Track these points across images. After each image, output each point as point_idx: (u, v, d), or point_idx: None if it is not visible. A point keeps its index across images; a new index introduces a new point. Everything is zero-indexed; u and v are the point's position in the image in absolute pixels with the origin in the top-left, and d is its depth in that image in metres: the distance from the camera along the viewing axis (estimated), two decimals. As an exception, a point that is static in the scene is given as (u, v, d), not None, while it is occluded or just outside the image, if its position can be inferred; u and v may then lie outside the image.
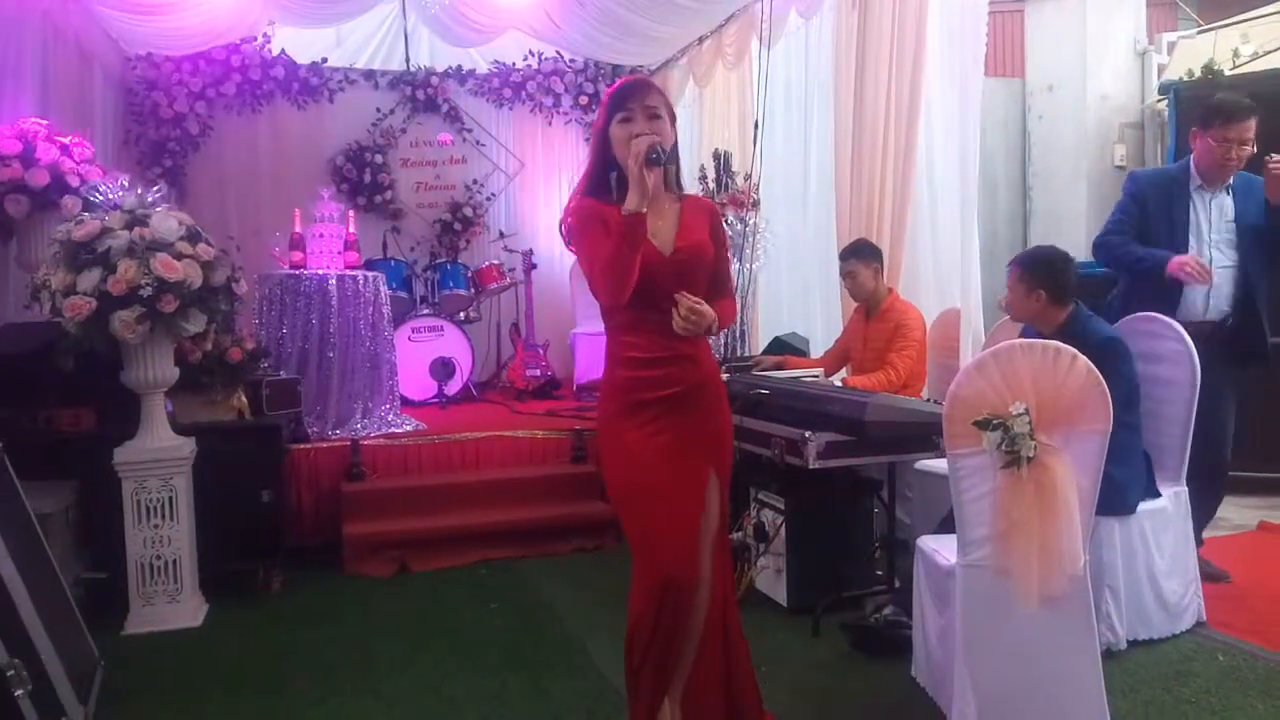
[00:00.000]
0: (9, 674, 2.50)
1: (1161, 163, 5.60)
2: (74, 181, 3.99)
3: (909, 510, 3.82)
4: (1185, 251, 3.39)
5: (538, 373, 6.44)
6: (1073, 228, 5.89)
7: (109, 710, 2.73)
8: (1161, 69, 5.92)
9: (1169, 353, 3.18)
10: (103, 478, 3.41)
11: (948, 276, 4.43)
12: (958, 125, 4.19)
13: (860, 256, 4.18)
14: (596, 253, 2.17)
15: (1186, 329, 3.19)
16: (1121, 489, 2.87)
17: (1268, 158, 3.30)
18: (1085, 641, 2.35)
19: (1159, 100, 5.74)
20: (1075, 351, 2.28)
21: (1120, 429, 2.39)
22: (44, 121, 4.18)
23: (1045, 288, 3.01)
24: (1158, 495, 3.11)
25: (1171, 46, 6.01)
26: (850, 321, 4.42)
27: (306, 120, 6.96)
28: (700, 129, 6.51)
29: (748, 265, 5.17)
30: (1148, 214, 3.52)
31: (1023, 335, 2.97)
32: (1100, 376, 2.28)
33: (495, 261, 6.74)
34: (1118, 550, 2.97)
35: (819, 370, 4.37)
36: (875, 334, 4.15)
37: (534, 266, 6.75)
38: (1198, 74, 5.25)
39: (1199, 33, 6.04)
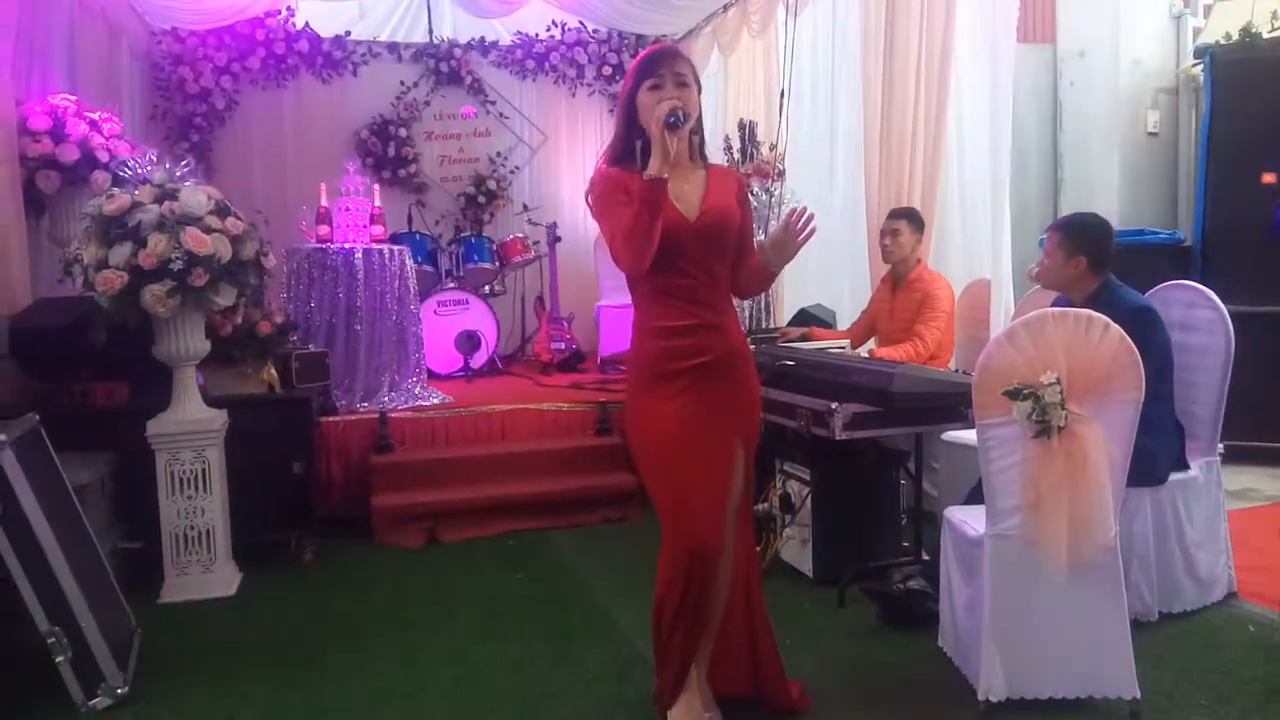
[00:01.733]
0: (50, 641, 2.58)
1: (1197, 130, 5.48)
2: (103, 157, 4.03)
3: (935, 481, 3.81)
4: None
5: (562, 346, 6.45)
6: (1105, 196, 5.78)
7: (146, 677, 2.78)
8: (1197, 32, 5.76)
9: (1203, 321, 3.13)
10: (137, 449, 3.46)
11: (977, 247, 4.39)
12: (989, 93, 4.12)
13: (910, 220, 4.14)
14: (618, 221, 2.16)
15: None
16: (1152, 459, 2.84)
17: None
18: (1115, 611, 2.35)
19: (1194, 65, 5.60)
20: (1108, 320, 2.26)
21: (1152, 399, 2.37)
22: (73, 97, 4.22)
23: (1087, 254, 2.96)
24: (1187, 467, 3.07)
25: (1208, 9, 5.85)
26: (876, 293, 4.38)
27: (330, 94, 6.97)
28: (725, 98, 6.45)
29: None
30: None
31: (1054, 305, 2.93)
32: (1133, 346, 2.26)
33: (520, 235, 6.75)
34: (1148, 521, 2.95)
35: (845, 342, 4.35)
36: (902, 305, 4.12)
37: (558, 239, 6.74)
38: (1235, 37, 5.11)
39: (1237, -6, 5.88)
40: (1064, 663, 2.36)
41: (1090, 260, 2.97)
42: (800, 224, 2.22)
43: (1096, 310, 2.37)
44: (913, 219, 4.14)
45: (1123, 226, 5.41)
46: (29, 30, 4.20)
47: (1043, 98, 6.31)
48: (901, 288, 4.15)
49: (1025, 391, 2.22)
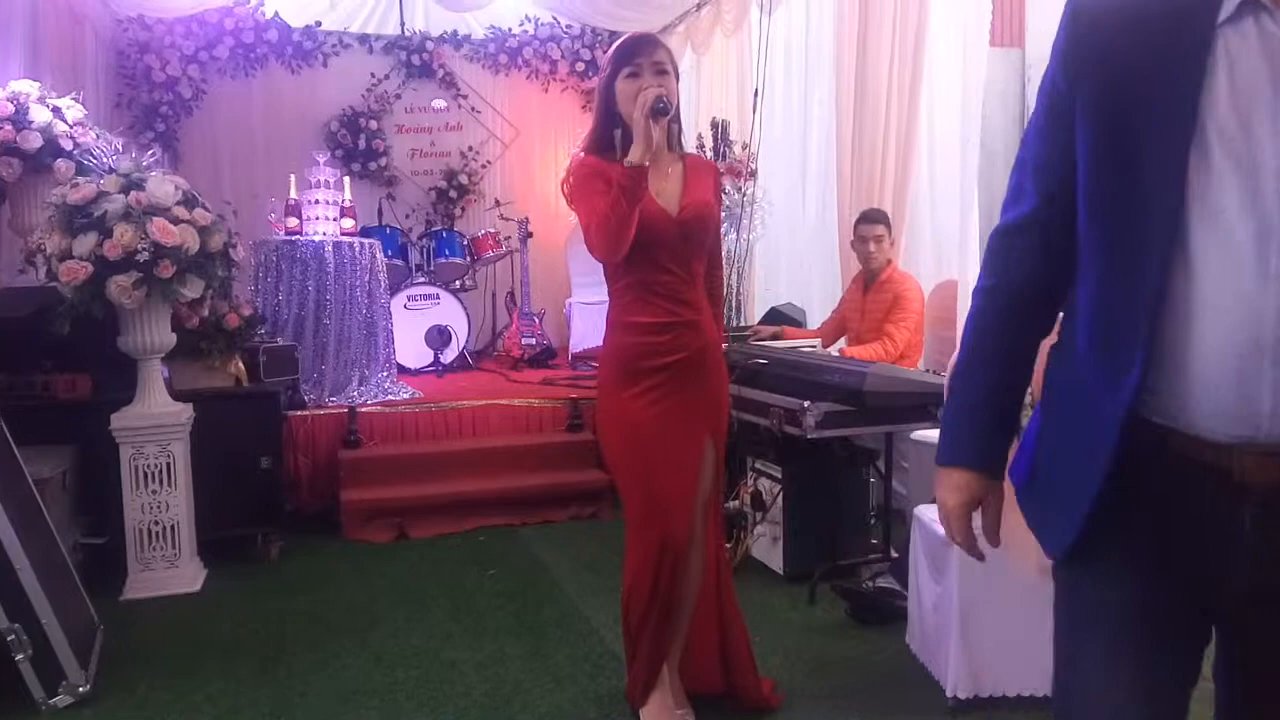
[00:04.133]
0: (9, 638, 2.53)
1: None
2: (67, 145, 3.94)
3: (905, 480, 3.84)
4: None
5: (533, 341, 6.44)
6: (1071, 200, 5.87)
7: (109, 674, 2.74)
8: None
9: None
10: (100, 443, 3.41)
11: (946, 248, 4.43)
12: (959, 96, 4.16)
13: (887, 224, 4.16)
14: (594, 208, 2.15)
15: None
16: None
17: None
18: (1080, 609, 2.38)
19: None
20: (1076, 323, 2.28)
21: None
22: (35, 84, 4.12)
23: None
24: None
25: (1173, 18, 5.96)
26: (847, 292, 4.41)
27: (300, 85, 6.88)
28: (698, 97, 6.45)
29: (744, 236, 5.16)
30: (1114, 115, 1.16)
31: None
32: (1101, 348, 2.28)
33: (491, 230, 6.72)
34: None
35: (816, 341, 4.38)
36: (873, 305, 4.15)
37: (530, 235, 6.71)
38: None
39: (1201, 4, 5.98)
40: (1031, 661, 2.39)
41: None
42: None
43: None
44: (888, 222, 4.17)
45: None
46: (-10, 15, 4.11)
47: (1011, 102, 6.37)
48: (872, 288, 4.18)
49: (995, 392, 2.24)
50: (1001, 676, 2.41)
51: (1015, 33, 6.28)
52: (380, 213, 6.63)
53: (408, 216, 7.04)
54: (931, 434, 3.48)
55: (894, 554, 3.35)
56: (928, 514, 2.73)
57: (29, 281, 3.68)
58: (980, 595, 2.40)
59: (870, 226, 4.16)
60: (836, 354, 4.27)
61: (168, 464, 3.42)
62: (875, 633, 2.96)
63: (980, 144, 4.16)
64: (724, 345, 2.45)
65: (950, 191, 4.39)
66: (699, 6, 6.22)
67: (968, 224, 4.11)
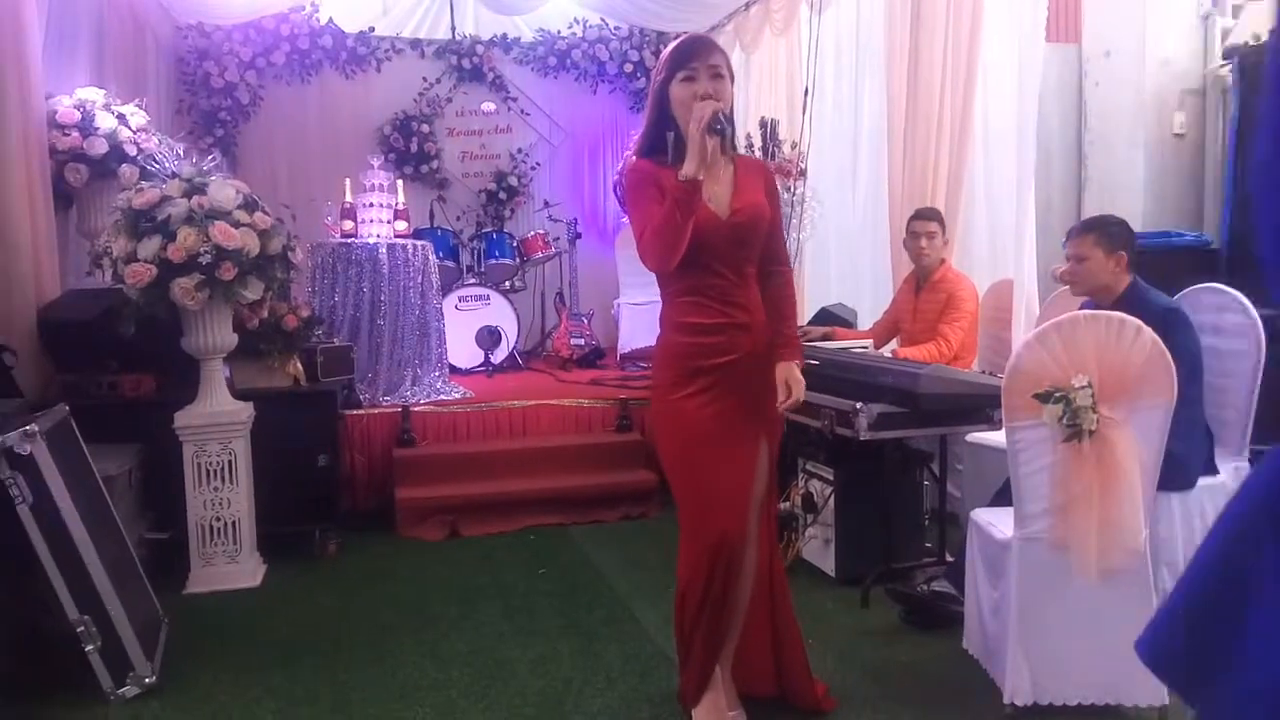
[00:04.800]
0: (80, 630, 2.61)
1: (1224, 132, 5.44)
2: (131, 150, 4.06)
3: (960, 483, 3.80)
4: None
5: (582, 342, 6.47)
6: (1130, 197, 5.74)
7: (173, 666, 2.81)
8: (1226, 33, 5.72)
9: (1233, 325, 3.10)
10: (164, 441, 3.50)
11: (1001, 246, 4.36)
12: (1015, 92, 4.10)
13: (940, 221, 4.09)
14: (648, 217, 2.15)
15: None
16: (1182, 464, 2.81)
17: None
18: (1143, 617, 2.31)
19: (1222, 66, 5.56)
20: (1140, 323, 2.24)
21: (1182, 403, 2.35)
22: (101, 91, 4.25)
23: (1126, 250, 2.94)
24: (1216, 472, 3.05)
25: (1237, 10, 5.79)
26: (899, 292, 4.36)
27: (354, 90, 7.00)
28: (747, 96, 6.43)
29: (794, 235, 5.13)
30: None
31: (1083, 309, 2.91)
32: (1165, 350, 2.24)
33: (540, 231, 6.77)
34: (1177, 526, 2.92)
35: (868, 342, 4.34)
36: (926, 306, 4.10)
37: (578, 236, 6.76)
38: (1265, 38, 5.06)
39: (1267, -5, 5.82)
40: (1091, 668, 2.35)
41: (1129, 256, 2.95)
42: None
43: (1126, 312, 2.35)
44: (942, 220, 4.11)
45: (1145, 228, 5.37)
46: (58, 25, 4.24)
47: (1067, 97, 6.27)
48: (926, 288, 4.12)
49: (1056, 394, 2.21)
50: (1062, 684, 2.36)
51: (1072, 28, 6.19)
52: (432, 215, 6.72)
53: (458, 218, 7.12)
54: (987, 436, 3.44)
55: (949, 558, 3.31)
56: (984, 517, 2.69)
57: (96, 284, 3.80)
58: (1040, 599, 2.36)
59: (923, 223, 4.09)
60: (889, 355, 4.22)
61: (229, 462, 3.50)
62: (930, 637, 2.93)
63: (1036, 141, 4.09)
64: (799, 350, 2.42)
65: (1005, 190, 4.33)
66: (747, 6, 6.19)
67: (1024, 222, 4.05)
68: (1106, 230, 2.99)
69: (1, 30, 3.49)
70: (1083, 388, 2.20)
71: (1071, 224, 3.30)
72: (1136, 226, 3.48)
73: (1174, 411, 2.27)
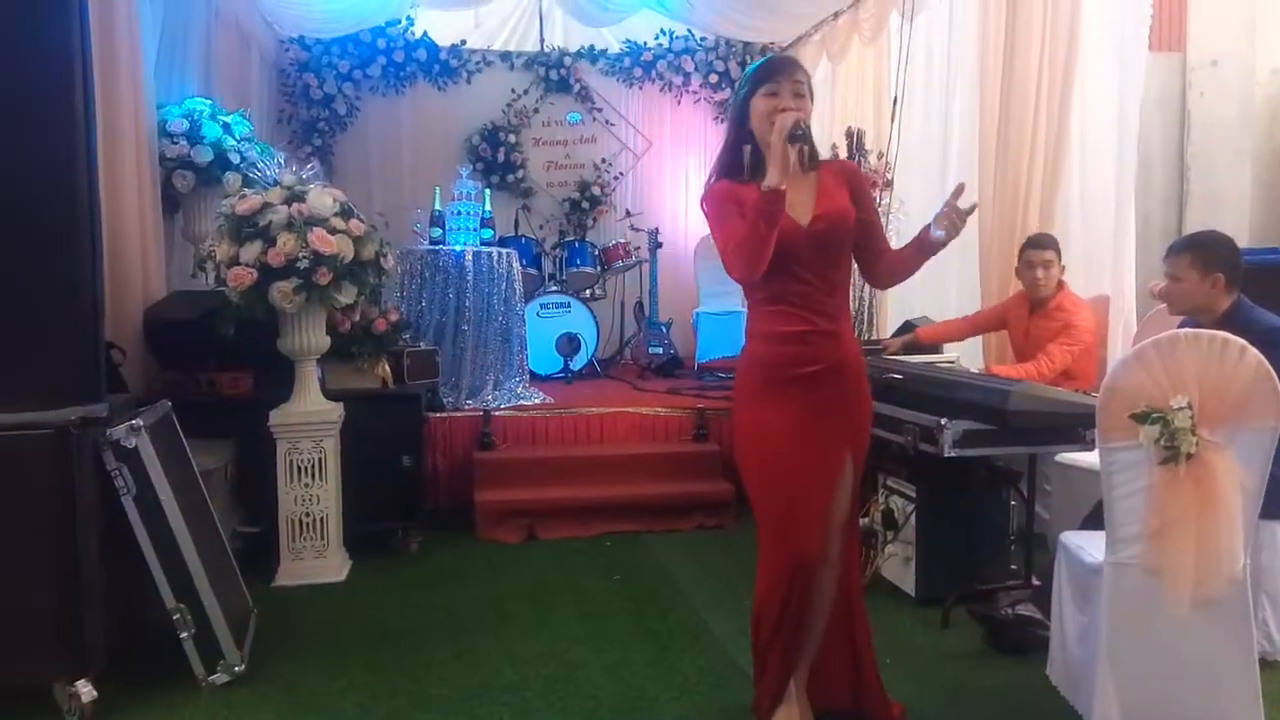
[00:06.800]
0: (175, 617, 2.72)
1: (1340, 143, 5.17)
2: (234, 158, 4.23)
3: (1048, 504, 3.68)
4: None
5: (660, 351, 6.49)
6: (1236, 211, 5.51)
7: (261, 656, 2.91)
8: (1343, 40, 5.45)
9: (1346, 346, 2.95)
10: (258, 438, 3.63)
11: (1098, 262, 4.21)
12: (1115, 102, 3.97)
13: (1057, 249, 3.90)
14: (731, 232, 2.17)
15: None
16: (1287, 491, 2.68)
17: None
18: (1241, 648, 2.23)
19: (1339, 74, 5.30)
20: (1245, 343, 2.15)
21: (1290, 427, 2.24)
22: (208, 101, 4.44)
23: (1224, 270, 2.83)
24: (1326, 500, 2.90)
25: (1356, 16, 5.53)
26: (1012, 304, 4.13)
27: (445, 101, 7.17)
28: (833, 106, 6.38)
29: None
30: None
31: (1182, 327, 2.80)
32: (1271, 371, 2.14)
33: (622, 240, 6.81)
34: (1278, 555, 2.79)
35: (954, 357, 4.24)
36: (1040, 330, 3.91)
37: (659, 245, 6.78)
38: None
39: (1388, 0, 5.53)
40: (1184, 701, 2.25)
41: (1227, 277, 2.84)
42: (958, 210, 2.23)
43: (1229, 331, 2.26)
44: (1057, 247, 3.91)
45: (1253, 243, 5.14)
46: (170, 38, 4.45)
47: (1169, 108, 6.06)
48: (1040, 313, 3.94)
49: (1154, 415, 2.12)
50: (1152, 716, 2.27)
51: (1176, 37, 5.97)
52: (516, 223, 6.82)
53: (542, 227, 7.22)
54: (1078, 457, 3.33)
55: (1035, 581, 3.21)
56: (1073, 540, 2.61)
57: (199, 286, 3.96)
58: (1131, 628, 2.27)
59: (1038, 252, 3.89)
60: (978, 371, 4.11)
61: (320, 459, 3.61)
62: (1013, 662, 2.85)
63: (1135, 152, 3.96)
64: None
65: (1103, 203, 4.19)
66: (836, 15, 6.14)
67: (1123, 237, 3.92)
68: (1203, 250, 2.88)
69: (118, 44, 3.68)
70: (1182, 409, 2.11)
71: (1173, 239, 3.19)
72: (1242, 242, 3.34)
73: (1280, 436, 2.17)
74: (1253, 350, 2.14)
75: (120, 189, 3.69)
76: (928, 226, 2.27)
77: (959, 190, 2.26)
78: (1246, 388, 2.14)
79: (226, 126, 4.34)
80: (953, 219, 2.21)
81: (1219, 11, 5.72)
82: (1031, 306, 3.99)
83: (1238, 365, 2.14)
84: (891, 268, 2.40)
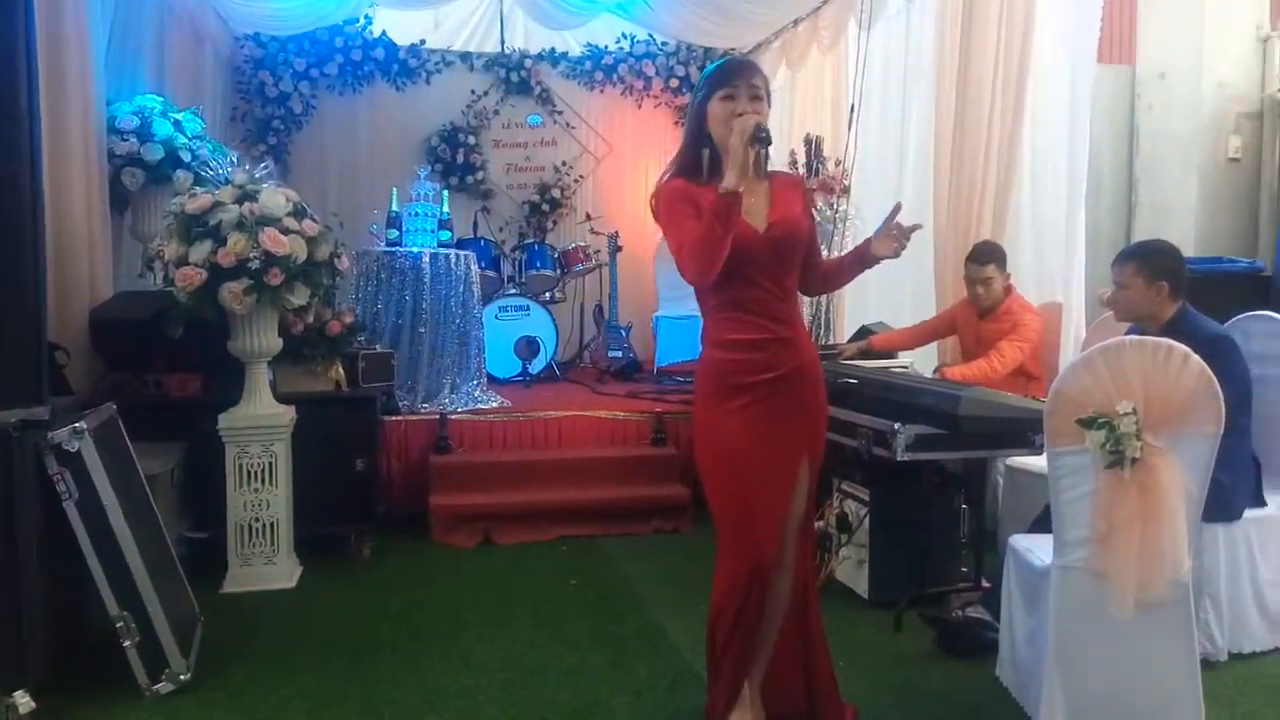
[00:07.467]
0: (119, 625, 2.66)
1: (1281, 156, 5.32)
2: (186, 157, 4.15)
3: (998, 507, 3.74)
4: None
5: (620, 354, 6.49)
6: (1182, 221, 5.63)
7: (208, 664, 2.85)
8: (1286, 56, 5.61)
9: (1284, 354, 3.03)
10: (207, 441, 3.56)
11: (1049, 270, 4.29)
12: (1066, 114, 4.04)
13: (999, 262, 3.94)
14: (685, 233, 2.17)
15: None
16: (1228, 494, 2.75)
17: None
18: (1184, 650, 2.28)
19: (1281, 89, 5.45)
20: (1188, 350, 2.20)
21: (1229, 432, 2.29)
22: (159, 98, 4.36)
23: (1168, 279, 2.90)
24: (1264, 503, 2.98)
25: (1297, 33, 5.69)
26: (960, 308, 4.20)
27: (404, 101, 7.12)
28: (791, 113, 6.43)
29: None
30: None
31: (1129, 334, 2.86)
32: (1213, 378, 2.19)
33: (581, 243, 6.80)
34: (1220, 558, 2.86)
35: (908, 362, 4.28)
36: (990, 333, 3.97)
37: (619, 249, 6.78)
38: (1326, 62, 4.96)
39: (1328, 18, 5.70)
40: (1129, 701, 2.30)
41: (1170, 285, 2.90)
42: (902, 230, 2.28)
43: (1173, 338, 2.31)
44: (999, 260, 3.96)
45: (1198, 253, 5.26)
46: (121, 33, 4.36)
47: (1118, 119, 6.18)
48: (990, 318, 4.01)
49: (1100, 420, 2.16)
50: (1097, 716, 2.31)
51: (1126, 49, 6.09)
52: (475, 225, 6.78)
53: (501, 229, 7.19)
54: (1028, 461, 3.39)
55: (985, 584, 3.25)
56: (1022, 543, 2.65)
57: (147, 286, 3.88)
58: (1077, 630, 2.31)
59: (977, 269, 3.96)
60: (933, 374, 4.16)
61: (270, 464, 3.55)
62: (963, 664, 2.88)
63: (1086, 162, 4.03)
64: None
65: (1054, 212, 4.27)
66: (795, 23, 6.20)
67: (1073, 246, 4.00)
68: (1148, 259, 2.95)
69: (65, 37, 3.60)
70: (1127, 414, 2.15)
71: (1121, 248, 3.26)
72: (1188, 252, 3.42)
73: (1221, 441, 2.22)
74: (1195, 358, 2.19)
75: (66, 186, 3.61)
76: (869, 240, 2.30)
77: (896, 209, 2.30)
78: (1189, 394, 2.18)
79: (178, 124, 4.26)
80: (899, 240, 2.26)
81: (1167, 25, 5.85)
82: (980, 313, 4.05)
83: (1181, 372, 2.18)
84: (826, 277, 2.46)
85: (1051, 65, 4.29)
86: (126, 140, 4.08)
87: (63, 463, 2.59)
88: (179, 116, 4.30)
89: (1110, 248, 4.97)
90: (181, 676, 2.70)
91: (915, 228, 2.31)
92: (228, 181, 3.40)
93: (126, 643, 2.66)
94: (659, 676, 2.82)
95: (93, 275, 3.83)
